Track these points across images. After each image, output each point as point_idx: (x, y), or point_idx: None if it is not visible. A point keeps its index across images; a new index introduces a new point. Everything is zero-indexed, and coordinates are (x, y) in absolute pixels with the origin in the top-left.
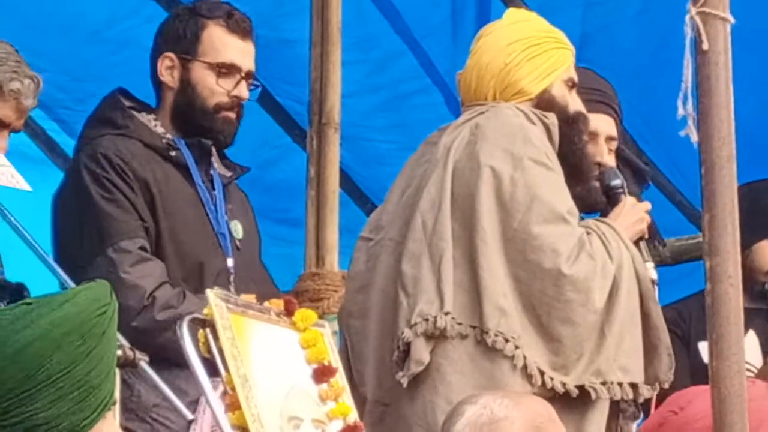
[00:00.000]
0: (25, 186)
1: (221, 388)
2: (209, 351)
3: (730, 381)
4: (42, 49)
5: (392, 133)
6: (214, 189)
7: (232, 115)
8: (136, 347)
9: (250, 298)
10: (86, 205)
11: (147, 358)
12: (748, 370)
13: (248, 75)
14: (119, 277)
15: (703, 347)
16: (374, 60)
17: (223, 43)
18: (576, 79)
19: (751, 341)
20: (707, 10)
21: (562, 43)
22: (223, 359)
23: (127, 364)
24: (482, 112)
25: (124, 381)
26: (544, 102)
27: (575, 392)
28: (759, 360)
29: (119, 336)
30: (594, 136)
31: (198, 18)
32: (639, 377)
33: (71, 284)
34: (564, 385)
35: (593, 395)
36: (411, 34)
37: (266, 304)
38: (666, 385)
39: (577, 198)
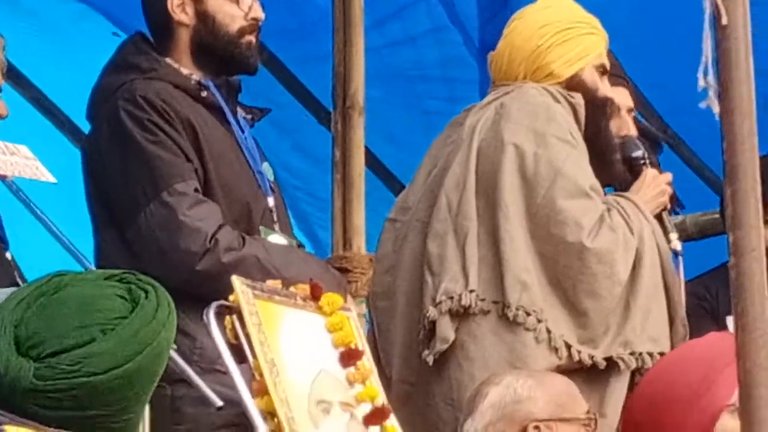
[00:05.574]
0: (50, 178)
1: None
2: (236, 337)
3: (756, 354)
4: None
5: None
6: (243, 130)
7: (254, 38)
8: (199, 292)
9: (276, 283)
10: (130, 151)
11: (175, 347)
12: None
13: None
14: (179, 220)
15: (731, 321)
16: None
17: None
18: (608, 65)
19: None
20: None
21: (595, 28)
22: (250, 345)
23: None
24: (507, 92)
25: (183, 331)
26: (574, 85)
27: (603, 364)
28: None
29: None
30: (617, 109)
31: None
32: (667, 347)
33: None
34: (592, 357)
35: (622, 366)
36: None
37: (292, 289)
38: None
39: (601, 177)
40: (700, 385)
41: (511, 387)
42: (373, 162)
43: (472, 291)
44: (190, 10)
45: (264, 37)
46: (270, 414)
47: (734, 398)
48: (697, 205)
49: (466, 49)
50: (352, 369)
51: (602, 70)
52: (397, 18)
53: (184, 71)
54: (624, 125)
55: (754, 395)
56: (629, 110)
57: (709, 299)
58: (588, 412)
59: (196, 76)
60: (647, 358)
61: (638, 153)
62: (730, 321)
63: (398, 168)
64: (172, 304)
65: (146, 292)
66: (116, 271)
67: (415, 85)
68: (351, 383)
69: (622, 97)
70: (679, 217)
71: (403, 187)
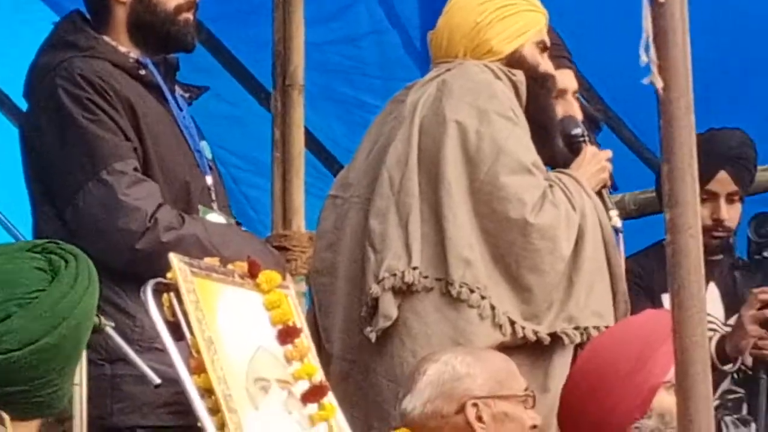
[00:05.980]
0: None
1: None
2: (174, 315)
3: (692, 331)
4: None
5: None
6: (181, 109)
7: (191, 16)
8: (138, 271)
9: (214, 261)
10: (68, 130)
11: (113, 324)
12: (711, 322)
13: None
14: (118, 199)
15: (667, 299)
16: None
17: None
18: (548, 42)
19: (711, 294)
20: None
21: (534, 5)
22: (187, 323)
23: (94, 331)
24: (449, 69)
25: (122, 310)
26: (515, 62)
27: (547, 340)
28: (721, 312)
29: None
30: (563, 92)
31: None
32: (611, 321)
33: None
34: (536, 333)
35: (566, 341)
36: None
37: (230, 266)
38: None
39: (543, 155)
40: (637, 362)
41: (450, 364)
42: (312, 143)
43: (415, 268)
44: None
45: (204, 20)
46: (207, 391)
47: (670, 375)
48: (636, 184)
49: (405, 52)
50: (290, 346)
51: (542, 47)
52: (337, 18)
53: (122, 49)
54: (570, 108)
55: (691, 372)
56: (574, 93)
57: (644, 277)
58: (526, 389)
59: (134, 54)
60: (593, 332)
61: (577, 130)
62: (666, 299)
63: (337, 152)
64: (94, 272)
65: (66, 261)
66: (39, 242)
67: (354, 80)
68: (289, 360)
69: (568, 79)
70: (618, 195)
71: (342, 168)
